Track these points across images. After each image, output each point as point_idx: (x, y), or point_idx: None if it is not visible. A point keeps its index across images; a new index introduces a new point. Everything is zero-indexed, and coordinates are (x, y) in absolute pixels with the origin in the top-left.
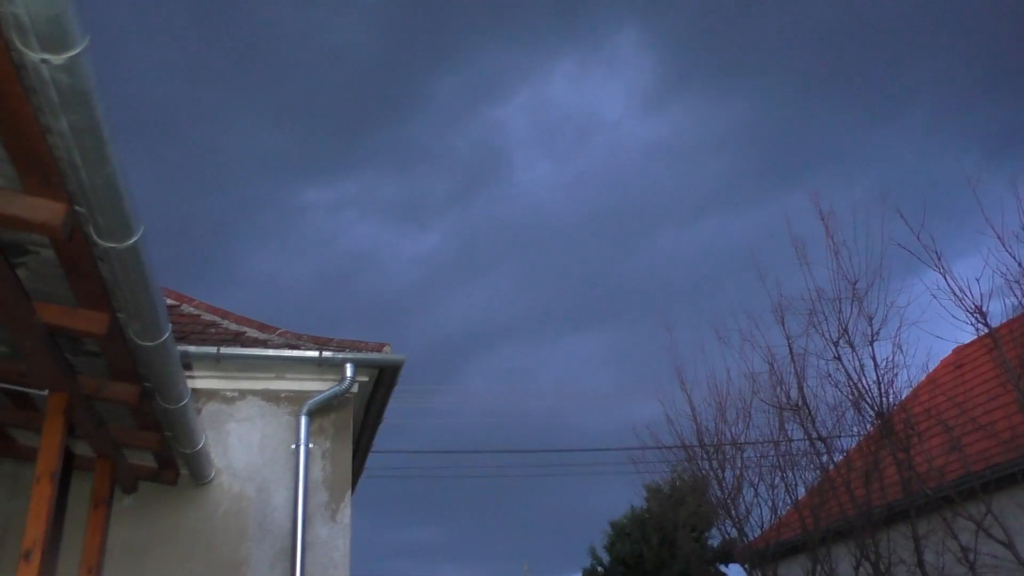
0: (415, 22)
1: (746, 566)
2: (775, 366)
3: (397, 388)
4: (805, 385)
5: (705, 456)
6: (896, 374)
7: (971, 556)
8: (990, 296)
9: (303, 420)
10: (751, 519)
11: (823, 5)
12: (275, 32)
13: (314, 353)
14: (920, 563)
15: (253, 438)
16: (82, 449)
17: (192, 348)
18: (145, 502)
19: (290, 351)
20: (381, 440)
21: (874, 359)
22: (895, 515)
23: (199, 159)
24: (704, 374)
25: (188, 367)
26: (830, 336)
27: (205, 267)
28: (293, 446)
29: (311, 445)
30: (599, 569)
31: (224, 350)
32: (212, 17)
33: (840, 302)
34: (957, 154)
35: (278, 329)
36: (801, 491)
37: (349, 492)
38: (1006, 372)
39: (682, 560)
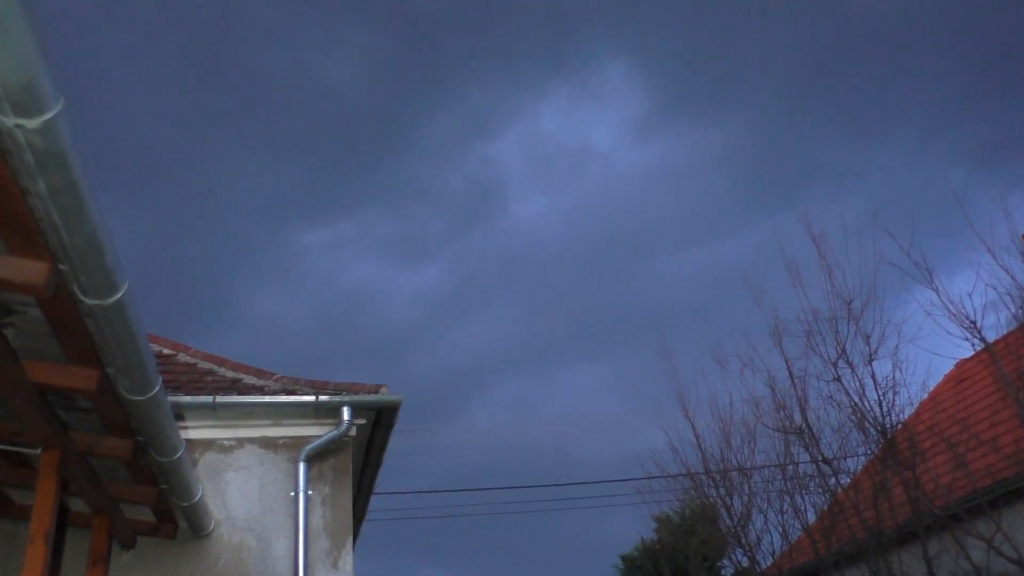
0: (406, 62)
1: None
2: (776, 390)
3: (398, 427)
4: (808, 408)
5: (712, 484)
6: (897, 392)
7: None
8: (984, 310)
9: (301, 466)
10: (762, 546)
11: (808, 25)
12: (268, 76)
13: (310, 397)
14: None
15: (252, 487)
16: (79, 505)
17: (188, 398)
18: (144, 557)
19: (286, 396)
20: (385, 481)
21: (874, 378)
22: (905, 535)
23: (197, 203)
24: (706, 399)
25: (181, 418)
26: (829, 357)
27: (206, 311)
28: (292, 493)
29: (310, 491)
30: None
31: (220, 398)
32: (206, 63)
33: (836, 322)
34: (946, 169)
35: (274, 374)
36: (811, 515)
37: (351, 538)
38: (1005, 387)
39: None
